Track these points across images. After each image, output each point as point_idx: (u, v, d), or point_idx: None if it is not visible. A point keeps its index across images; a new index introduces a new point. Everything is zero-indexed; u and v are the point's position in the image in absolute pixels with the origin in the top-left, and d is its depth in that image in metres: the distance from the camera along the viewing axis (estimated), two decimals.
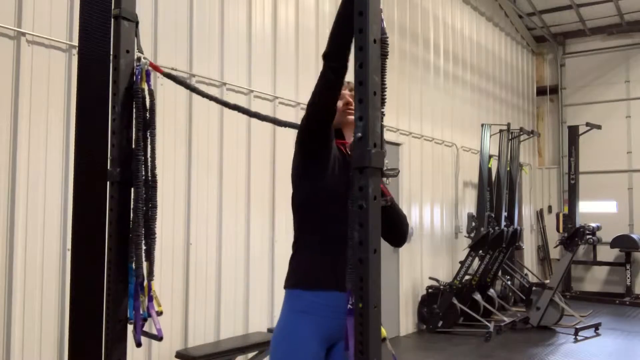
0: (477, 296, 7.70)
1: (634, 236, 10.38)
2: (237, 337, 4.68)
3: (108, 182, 2.18)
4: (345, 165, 2.15)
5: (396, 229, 2.19)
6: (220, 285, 4.68)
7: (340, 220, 1.91)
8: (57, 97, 3.67)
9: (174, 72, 4.36)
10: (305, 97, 5.69)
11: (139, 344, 2.21)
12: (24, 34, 3.51)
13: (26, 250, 3.47)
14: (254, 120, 5.07)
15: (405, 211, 7.24)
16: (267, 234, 5.14)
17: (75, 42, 3.58)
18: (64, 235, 3.63)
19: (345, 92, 2.28)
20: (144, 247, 2.21)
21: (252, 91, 5.07)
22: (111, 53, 2.20)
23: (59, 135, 3.67)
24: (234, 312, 4.79)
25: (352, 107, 2.05)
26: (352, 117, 2.18)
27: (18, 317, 3.39)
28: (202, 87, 4.66)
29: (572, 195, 8.40)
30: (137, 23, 2.29)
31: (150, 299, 2.22)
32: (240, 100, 5.00)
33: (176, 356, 4.16)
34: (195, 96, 4.55)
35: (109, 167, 2.18)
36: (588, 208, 10.75)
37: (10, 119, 3.44)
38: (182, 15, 4.55)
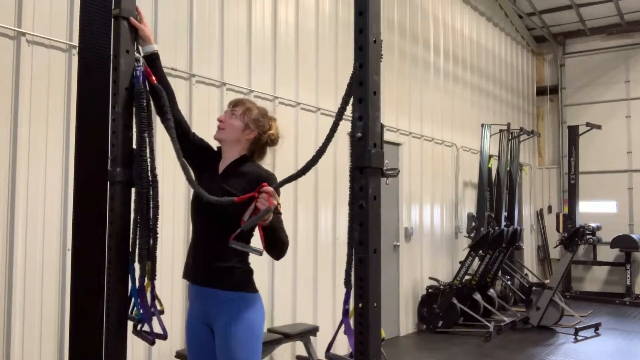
0: (477, 296, 7.69)
1: (634, 236, 10.37)
2: None
3: (108, 182, 2.18)
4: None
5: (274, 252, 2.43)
6: None
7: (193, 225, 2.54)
8: (57, 97, 3.67)
9: (173, 73, 4.36)
10: (305, 96, 5.71)
11: (153, 342, 2.21)
12: (24, 34, 3.50)
13: (26, 250, 3.47)
14: None
15: (405, 211, 7.29)
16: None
17: (75, 42, 3.58)
18: (64, 235, 3.62)
19: (227, 108, 2.58)
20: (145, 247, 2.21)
21: (252, 91, 5.07)
22: (111, 53, 2.20)
23: (59, 135, 3.67)
24: None
25: (220, 125, 2.50)
26: (216, 135, 2.53)
27: (18, 317, 3.39)
28: (202, 87, 4.66)
29: (572, 195, 8.40)
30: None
31: (153, 298, 2.22)
32: None
33: (176, 356, 4.17)
34: (195, 96, 4.55)
35: (109, 167, 2.18)
36: (588, 208, 10.75)
37: (10, 119, 3.44)
38: (182, 15, 4.55)
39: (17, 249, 3.41)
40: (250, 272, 2.47)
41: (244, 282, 2.43)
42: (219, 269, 2.39)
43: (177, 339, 4.31)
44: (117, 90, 2.18)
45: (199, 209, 2.48)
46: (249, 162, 2.53)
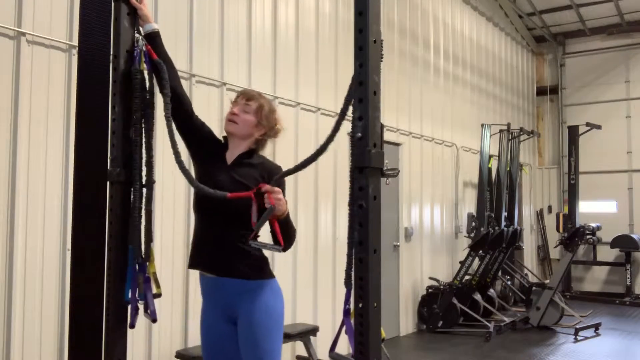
0: (477, 296, 7.69)
1: (634, 236, 10.37)
2: None
3: (108, 182, 2.18)
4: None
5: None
6: None
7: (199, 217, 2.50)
8: (57, 97, 3.67)
9: None
10: (305, 96, 5.71)
11: (132, 326, 2.20)
12: (24, 34, 3.50)
13: (26, 250, 3.47)
14: None
15: (405, 211, 7.30)
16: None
17: (75, 42, 3.58)
18: (64, 235, 3.62)
19: (239, 101, 2.56)
20: (143, 229, 2.20)
21: None
22: (111, 53, 2.20)
23: (59, 135, 3.67)
24: None
25: (234, 118, 2.48)
26: (229, 127, 2.52)
27: (18, 317, 3.39)
28: (202, 87, 4.66)
29: (572, 195, 8.39)
30: None
31: (148, 280, 2.20)
32: None
33: (176, 356, 4.16)
34: (196, 92, 4.55)
35: (109, 167, 2.18)
36: (588, 208, 10.74)
37: (10, 119, 3.44)
38: (182, 15, 4.55)
39: (17, 249, 3.41)
40: (266, 259, 2.50)
41: (264, 269, 2.46)
42: (239, 258, 2.39)
43: (177, 339, 4.31)
44: (117, 90, 2.18)
45: (214, 200, 2.40)
46: (256, 154, 2.58)
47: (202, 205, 2.47)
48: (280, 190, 2.26)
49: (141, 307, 2.21)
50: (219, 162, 2.51)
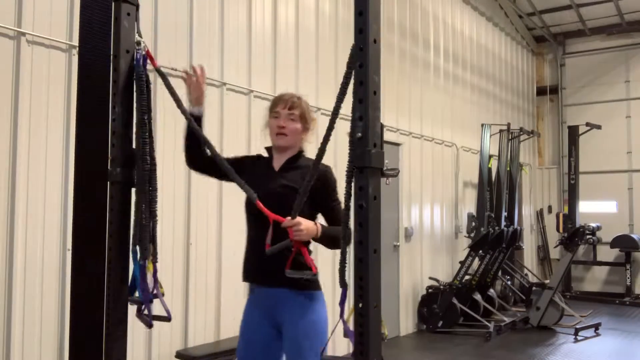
0: (477, 296, 7.69)
1: (634, 236, 10.37)
2: (237, 337, 4.66)
3: (108, 182, 2.18)
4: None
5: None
6: (220, 285, 4.68)
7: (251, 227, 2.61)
8: (57, 97, 3.67)
9: (174, 73, 4.35)
10: (305, 96, 5.69)
11: (150, 326, 2.19)
12: (24, 34, 3.50)
13: (26, 250, 3.47)
14: (254, 119, 5.07)
15: (405, 211, 7.29)
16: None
17: (75, 42, 3.58)
18: (64, 235, 3.62)
19: (281, 111, 2.56)
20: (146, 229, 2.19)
21: (252, 91, 5.07)
22: (111, 53, 2.20)
23: (59, 135, 3.67)
24: (233, 312, 4.79)
25: (283, 131, 2.51)
26: (281, 142, 2.56)
27: (18, 317, 3.39)
28: None
29: (572, 195, 8.39)
30: (137, 6, 2.27)
31: (155, 280, 2.20)
32: (241, 100, 5.00)
33: (176, 356, 4.16)
34: None
35: (109, 167, 2.18)
36: (588, 208, 10.74)
37: (10, 119, 3.44)
38: (182, 15, 4.54)
39: (17, 249, 3.41)
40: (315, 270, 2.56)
41: (314, 281, 2.51)
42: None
43: (177, 339, 4.31)
44: (117, 90, 2.18)
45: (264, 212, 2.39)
46: (302, 157, 2.65)
47: (254, 219, 2.53)
48: (300, 221, 2.27)
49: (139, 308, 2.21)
50: (267, 172, 2.59)
